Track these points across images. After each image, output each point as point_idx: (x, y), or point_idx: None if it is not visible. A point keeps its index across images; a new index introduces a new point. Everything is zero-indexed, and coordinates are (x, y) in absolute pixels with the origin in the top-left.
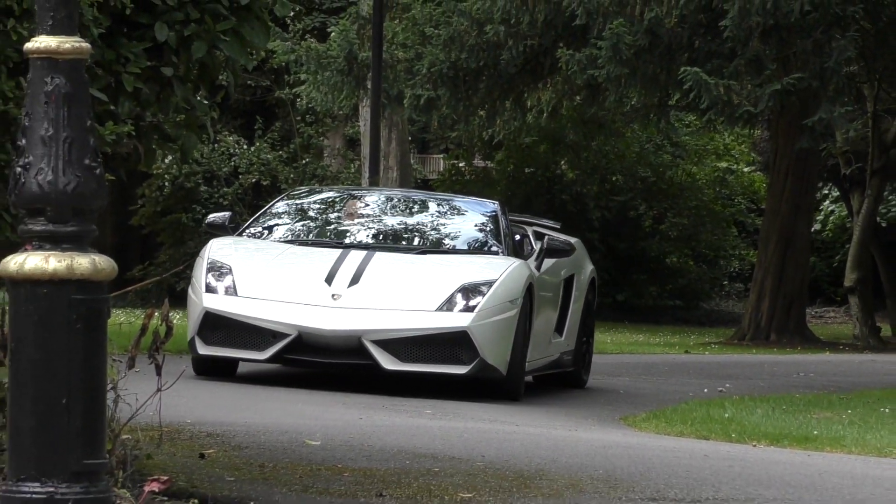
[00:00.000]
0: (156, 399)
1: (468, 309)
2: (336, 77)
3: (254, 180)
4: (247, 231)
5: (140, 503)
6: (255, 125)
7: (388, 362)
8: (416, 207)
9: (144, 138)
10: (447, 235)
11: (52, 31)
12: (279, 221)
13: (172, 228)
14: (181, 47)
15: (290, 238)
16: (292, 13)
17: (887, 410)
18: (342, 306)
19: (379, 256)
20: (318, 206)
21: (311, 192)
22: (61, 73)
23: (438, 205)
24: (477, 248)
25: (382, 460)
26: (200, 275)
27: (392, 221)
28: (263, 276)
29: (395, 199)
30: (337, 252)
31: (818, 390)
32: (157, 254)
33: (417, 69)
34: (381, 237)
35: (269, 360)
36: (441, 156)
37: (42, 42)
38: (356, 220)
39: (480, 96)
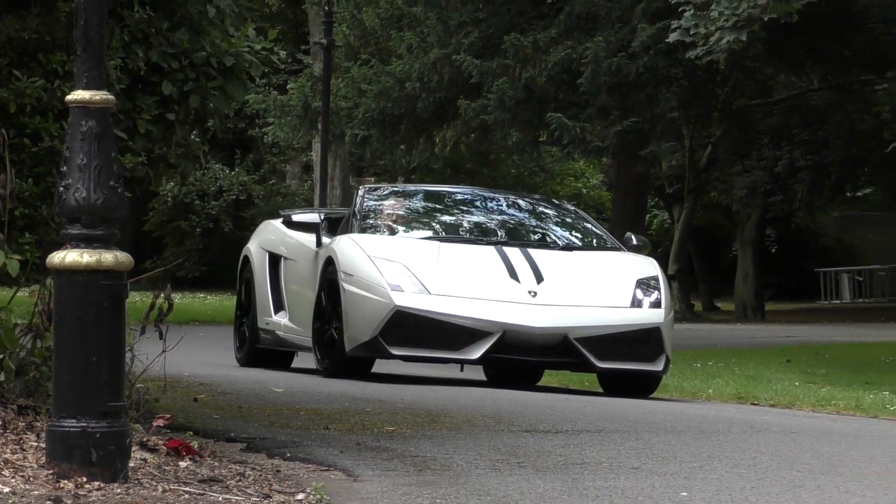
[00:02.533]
0: (161, 358)
1: (656, 304)
2: (295, 121)
3: (234, 196)
4: (353, 230)
5: (149, 434)
6: (235, 155)
7: (595, 360)
8: (500, 205)
9: (154, 166)
10: (564, 232)
11: (87, 87)
12: (383, 219)
13: (174, 232)
14: (181, 99)
15: (428, 235)
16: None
17: (699, 365)
18: (542, 303)
19: (536, 254)
20: (411, 202)
21: (390, 189)
22: (93, 118)
23: (521, 203)
24: (602, 245)
25: (329, 403)
26: (371, 271)
27: (498, 219)
28: (446, 273)
29: (478, 198)
30: (491, 248)
31: None
32: (163, 251)
33: (355, 115)
34: (505, 234)
35: (478, 362)
36: (373, 178)
37: (79, 95)
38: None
39: (401, 135)
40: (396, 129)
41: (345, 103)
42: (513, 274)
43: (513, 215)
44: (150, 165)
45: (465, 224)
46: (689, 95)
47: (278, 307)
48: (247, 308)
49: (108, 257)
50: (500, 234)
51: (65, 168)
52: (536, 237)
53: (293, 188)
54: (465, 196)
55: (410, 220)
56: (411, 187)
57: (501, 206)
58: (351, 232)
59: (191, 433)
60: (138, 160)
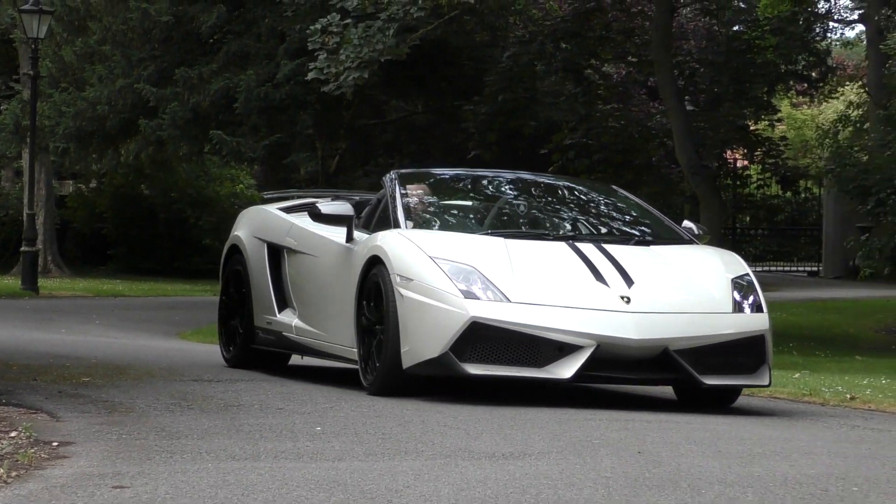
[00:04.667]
0: None
1: (758, 308)
2: (8, 136)
3: None
4: (397, 224)
5: None
6: None
7: (699, 375)
8: (554, 191)
9: None
10: (630, 222)
11: None
12: (429, 211)
13: None
14: None
15: (487, 230)
16: None
17: None
18: (638, 310)
19: (615, 251)
20: (454, 189)
21: (424, 173)
22: None
23: (576, 188)
24: (676, 237)
25: (37, 359)
26: (437, 276)
27: (558, 208)
28: (523, 276)
29: (527, 183)
30: (563, 245)
31: None
32: None
33: (57, 131)
34: (571, 227)
35: (570, 381)
36: (71, 181)
37: None
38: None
39: (94, 147)
40: (90, 142)
41: (48, 122)
42: (598, 276)
43: (570, 203)
44: None
45: (526, 215)
46: (321, 117)
47: (282, 305)
48: (238, 303)
49: None
50: (566, 226)
51: None
52: (605, 230)
53: (6, 189)
54: (513, 181)
55: (461, 212)
56: (448, 172)
57: (555, 191)
58: (395, 226)
59: None
60: None
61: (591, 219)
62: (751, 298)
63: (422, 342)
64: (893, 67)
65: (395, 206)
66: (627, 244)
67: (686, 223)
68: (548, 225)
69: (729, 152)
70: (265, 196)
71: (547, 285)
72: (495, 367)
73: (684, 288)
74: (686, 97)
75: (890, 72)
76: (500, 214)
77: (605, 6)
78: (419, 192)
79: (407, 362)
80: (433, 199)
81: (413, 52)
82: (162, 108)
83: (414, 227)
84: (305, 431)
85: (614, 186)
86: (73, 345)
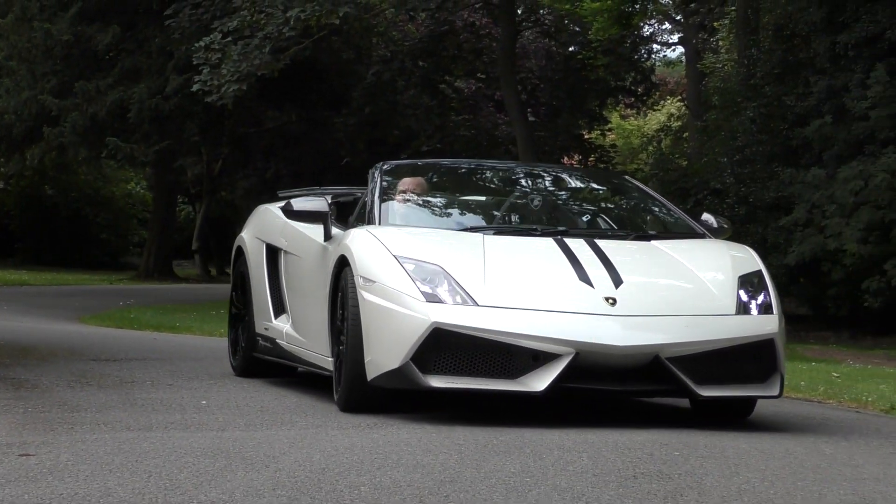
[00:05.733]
0: None
1: (766, 309)
2: None
3: None
4: (385, 221)
5: None
6: None
7: (695, 385)
8: (551, 182)
9: None
10: (634, 214)
11: None
12: (408, 205)
13: None
14: None
15: (469, 226)
16: None
17: (214, 313)
18: (625, 313)
19: (608, 246)
20: (441, 181)
21: (412, 165)
22: None
23: (563, 178)
24: (685, 231)
25: None
26: (399, 277)
27: (552, 200)
28: (497, 276)
29: (523, 174)
30: (549, 241)
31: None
32: None
33: None
34: (565, 221)
35: (545, 394)
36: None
37: None
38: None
39: (1, 151)
40: None
41: None
42: (583, 275)
43: (571, 195)
44: None
45: (514, 208)
46: (205, 125)
47: (279, 310)
48: (242, 307)
49: None
50: (558, 220)
51: None
52: (604, 223)
53: None
54: (508, 171)
55: (443, 205)
56: (442, 162)
57: (553, 182)
58: (369, 223)
59: None
60: None
61: (592, 211)
62: (760, 298)
63: (383, 351)
64: (709, 84)
65: (372, 201)
66: (627, 239)
67: (705, 216)
68: (543, 218)
69: (566, 158)
70: (280, 195)
71: (522, 286)
72: (461, 380)
73: (682, 287)
74: (528, 109)
75: (706, 88)
76: (487, 207)
77: (457, 29)
78: (413, 186)
79: (370, 374)
80: (422, 194)
81: (286, 68)
82: (63, 117)
83: (392, 224)
84: (192, 405)
85: (627, 176)
86: None
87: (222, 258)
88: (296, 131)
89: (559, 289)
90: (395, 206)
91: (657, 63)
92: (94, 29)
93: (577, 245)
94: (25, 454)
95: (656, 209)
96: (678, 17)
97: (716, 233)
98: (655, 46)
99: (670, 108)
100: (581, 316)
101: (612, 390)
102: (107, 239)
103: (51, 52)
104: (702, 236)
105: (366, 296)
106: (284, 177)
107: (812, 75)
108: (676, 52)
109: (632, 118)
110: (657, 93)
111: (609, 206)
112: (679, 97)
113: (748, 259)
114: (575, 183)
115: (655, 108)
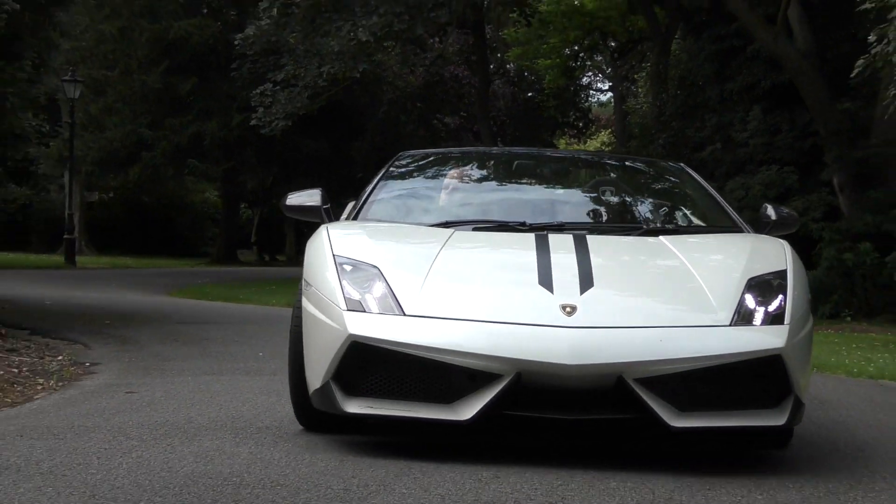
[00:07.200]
0: None
1: (774, 318)
2: (55, 163)
3: None
4: (365, 215)
5: None
6: None
7: (669, 416)
8: (575, 170)
9: None
10: (653, 207)
11: None
12: (405, 199)
13: None
14: None
15: (443, 220)
16: None
17: (274, 287)
18: (583, 324)
19: (597, 242)
20: (446, 169)
21: (425, 154)
22: None
23: (604, 166)
24: (708, 223)
25: (76, 309)
26: (329, 281)
27: (563, 193)
28: (441, 281)
29: (544, 161)
30: (529, 238)
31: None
32: None
33: (87, 159)
34: (568, 213)
35: (473, 423)
36: (96, 192)
37: None
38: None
39: (110, 170)
40: (108, 167)
41: (81, 153)
42: (546, 278)
43: (594, 185)
44: None
45: (511, 199)
46: (260, 151)
47: None
48: None
49: None
50: (560, 212)
51: None
52: (611, 217)
53: (54, 197)
54: (526, 159)
55: (431, 197)
56: (457, 151)
57: (575, 171)
58: (354, 217)
59: (0, 326)
60: None
61: (607, 204)
62: (773, 305)
63: (311, 367)
64: (631, 120)
65: (361, 194)
66: (632, 234)
67: (766, 207)
68: (534, 210)
69: None
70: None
71: (465, 292)
72: (382, 404)
73: (668, 292)
74: (498, 138)
75: (629, 123)
76: (480, 199)
77: (445, 79)
78: (417, 173)
79: (309, 391)
80: (413, 185)
81: (320, 108)
82: (155, 144)
83: (369, 217)
84: (252, 356)
85: (682, 165)
86: (98, 300)
87: (273, 248)
88: (325, 155)
89: (510, 295)
90: (381, 198)
91: (593, 104)
92: (178, 80)
93: (561, 242)
94: (130, 391)
95: (700, 202)
96: (609, 71)
97: (777, 226)
98: (592, 92)
99: (603, 137)
100: (528, 328)
101: (561, 419)
102: (188, 234)
103: (146, 97)
104: (732, 229)
105: (304, 301)
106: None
107: (706, 114)
108: (607, 96)
109: (574, 145)
110: (593, 126)
111: (638, 195)
112: (609, 130)
113: (774, 257)
114: (620, 172)
115: (592, 137)
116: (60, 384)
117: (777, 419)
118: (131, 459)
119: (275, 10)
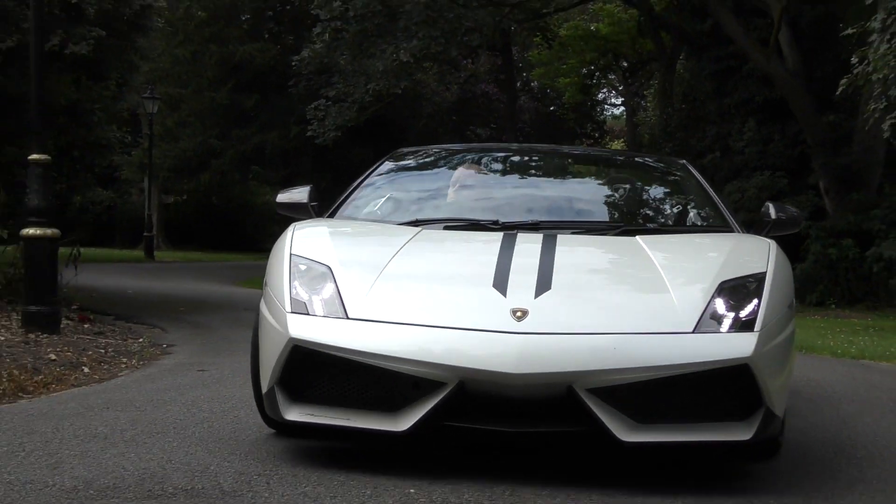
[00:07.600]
0: (74, 278)
1: (744, 325)
2: (136, 169)
3: None
4: (343, 212)
5: (70, 312)
6: None
7: (621, 429)
8: (576, 167)
9: None
10: (641, 205)
11: (37, 152)
12: (387, 195)
13: None
14: None
15: (414, 219)
16: None
17: None
18: (532, 330)
19: (566, 242)
20: (434, 166)
21: (421, 152)
22: (41, 167)
23: (605, 163)
24: (696, 224)
25: (155, 298)
26: (280, 282)
27: (553, 190)
28: (387, 282)
29: (543, 158)
30: (496, 237)
31: None
32: None
33: (164, 166)
34: (548, 211)
35: (408, 434)
36: (172, 195)
37: (34, 156)
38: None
39: (184, 176)
40: (182, 173)
41: (158, 161)
42: (501, 280)
43: (579, 185)
44: None
45: (489, 197)
46: (315, 159)
47: None
48: None
49: (48, 231)
50: (539, 210)
51: (28, 189)
52: (603, 216)
53: (135, 200)
54: (521, 156)
55: (408, 196)
56: (453, 147)
57: (569, 168)
58: (328, 214)
59: (90, 312)
60: None
61: (592, 202)
62: (746, 310)
63: (263, 372)
64: (641, 131)
65: (349, 190)
66: (607, 234)
67: (767, 206)
68: (510, 209)
69: None
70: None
71: (413, 295)
72: (322, 412)
73: (629, 295)
74: None
75: (639, 133)
76: (457, 197)
77: (477, 95)
78: (403, 171)
79: (263, 396)
80: (394, 182)
81: (367, 121)
82: (223, 153)
83: (345, 215)
84: None
85: (684, 161)
86: (174, 289)
87: None
88: (371, 162)
89: (460, 298)
90: (363, 196)
91: (607, 117)
92: (243, 97)
93: (527, 242)
94: (202, 369)
95: (693, 200)
96: (621, 88)
97: (777, 226)
98: (606, 106)
99: (616, 146)
100: (473, 333)
101: (505, 431)
102: (252, 232)
103: (215, 111)
104: (719, 229)
105: (261, 302)
106: None
107: (707, 125)
108: (620, 110)
109: None
110: (607, 136)
111: (631, 195)
112: (622, 139)
113: (754, 259)
114: (602, 170)
115: (606, 146)
116: (141, 363)
117: (743, 433)
118: (203, 429)
119: (327, 35)
